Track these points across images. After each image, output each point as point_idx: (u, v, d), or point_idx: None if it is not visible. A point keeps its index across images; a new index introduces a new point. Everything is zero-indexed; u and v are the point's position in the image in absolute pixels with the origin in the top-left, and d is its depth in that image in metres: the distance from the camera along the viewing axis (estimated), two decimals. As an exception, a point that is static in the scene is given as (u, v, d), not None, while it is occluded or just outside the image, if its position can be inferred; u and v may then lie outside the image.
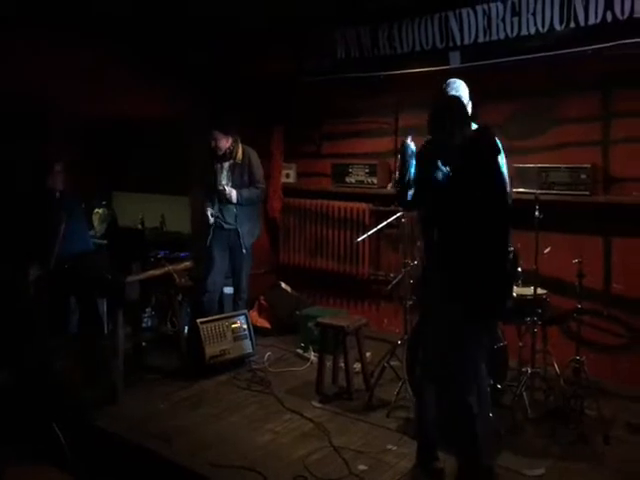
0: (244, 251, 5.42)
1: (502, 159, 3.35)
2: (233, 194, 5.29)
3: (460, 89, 3.80)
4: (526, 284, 4.24)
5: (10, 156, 5.77)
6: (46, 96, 5.51)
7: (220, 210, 5.40)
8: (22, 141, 5.87)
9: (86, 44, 5.43)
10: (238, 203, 5.33)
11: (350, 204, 6.21)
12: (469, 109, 3.63)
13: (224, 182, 5.34)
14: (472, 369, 3.23)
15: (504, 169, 3.35)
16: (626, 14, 4.30)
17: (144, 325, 5.75)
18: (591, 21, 4.47)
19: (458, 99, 3.49)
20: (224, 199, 5.32)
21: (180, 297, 5.60)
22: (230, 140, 5.38)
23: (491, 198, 3.13)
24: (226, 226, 5.42)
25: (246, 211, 5.45)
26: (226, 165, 5.39)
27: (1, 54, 4.97)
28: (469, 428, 3.19)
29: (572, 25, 4.55)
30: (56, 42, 5.26)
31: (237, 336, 5.27)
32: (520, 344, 4.29)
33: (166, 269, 5.15)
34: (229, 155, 5.38)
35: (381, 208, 5.96)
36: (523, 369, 4.22)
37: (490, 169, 3.17)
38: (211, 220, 5.36)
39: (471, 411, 3.17)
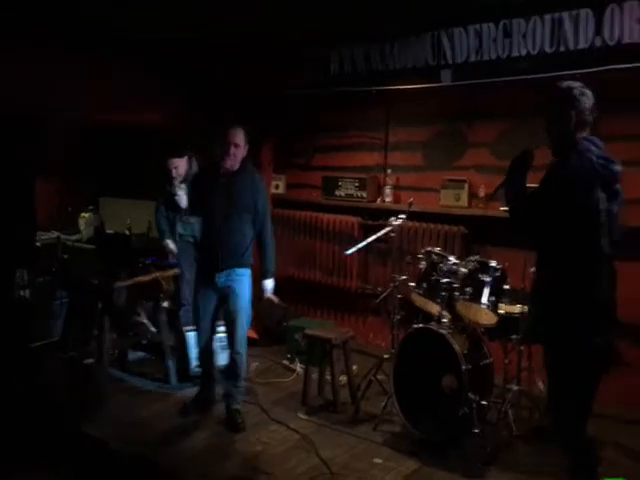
0: None
1: None
2: (183, 200, 5.21)
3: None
4: (514, 302, 4.29)
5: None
6: (45, 102, 5.53)
7: (182, 225, 5.51)
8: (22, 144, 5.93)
9: (83, 53, 5.44)
10: (187, 209, 5.25)
11: (339, 217, 6.23)
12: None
13: (180, 192, 5.33)
14: None
15: None
16: (615, 40, 4.39)
17: (130, 332, 5.73)
18: (581, 45, 4.54)
19: None
20: (176, 205, 5.24)
21: (167, 304, 5.60)
22: (186, 161, 5.44)
23: None
24: (191, 239, 5.50)
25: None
26: (183, 185, 5.39)
27: (3, 61, 4.98)
28: None
29: (562, 49, 4.62)
30: (56, 50, 5.27)
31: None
32: (506, 361, 4.33)
33: (154, 276, 5.15)
34: (188, 176, 5.41)
35: (370, 222, 5.99)
36: (508, 386, 4.27)
37: None
38: (174, 250, 5.50)
39: None
